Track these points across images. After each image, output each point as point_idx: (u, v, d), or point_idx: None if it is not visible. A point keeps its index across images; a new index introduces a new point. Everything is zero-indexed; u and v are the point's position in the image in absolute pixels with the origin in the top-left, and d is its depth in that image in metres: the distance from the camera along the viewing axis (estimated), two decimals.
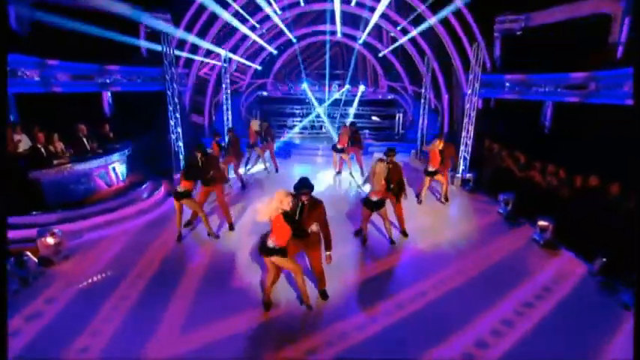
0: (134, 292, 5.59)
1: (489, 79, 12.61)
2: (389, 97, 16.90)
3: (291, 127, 17.33)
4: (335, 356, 4.41)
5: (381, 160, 6.49)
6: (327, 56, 16.37)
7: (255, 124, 11.42)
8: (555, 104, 11.16)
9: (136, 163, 10.20)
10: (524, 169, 9.04)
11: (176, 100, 10.48)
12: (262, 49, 15.92)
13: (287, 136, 16.67)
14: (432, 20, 13.09)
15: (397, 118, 17.02)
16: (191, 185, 6.95)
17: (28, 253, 5.93)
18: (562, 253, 6.82)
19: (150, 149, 11.03)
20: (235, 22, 13.59)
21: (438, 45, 14.15)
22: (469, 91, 10.46)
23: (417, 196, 9.27)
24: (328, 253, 5.14)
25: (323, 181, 10.75)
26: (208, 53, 14.22)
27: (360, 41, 15.83)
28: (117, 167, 9.22)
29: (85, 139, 8.81)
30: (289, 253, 4.99)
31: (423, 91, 13.55)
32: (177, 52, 12.54)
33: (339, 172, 11.28)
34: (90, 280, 5.89)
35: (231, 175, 10.48)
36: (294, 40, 16.12)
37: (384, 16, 14.34)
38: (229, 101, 13.91)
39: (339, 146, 10.76)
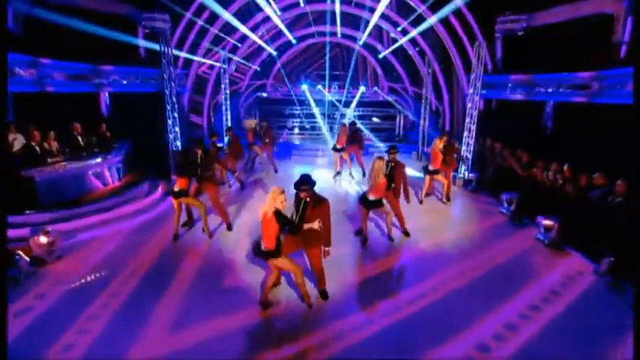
0: (125, 290, 5.47)
1: (491, 79, 12.50)
2: (389, 99, 16.81)
3: (291, 129, 17.25)
4: (334, 356, 4.28)
5: (380, 157, 6.36)
6: (327, 57, 16.30)
7: (250, 123, 11.31)
8: (557, 104, 11.05)
9: (134, 162, 10.10)
10: (526, 168, 8.90)
11: (174, 99, 10.39)
12: (262, 49, 15.84)
13: (287, 137, 16.60)
14: (433, 20, 13.00)
15: (398, 119, 16.92)
16: (186, 183, 6.81)
17: (20, 253, 5.79)
18: (568, 253, 6.67)
19: (148, 149, 10.90)
20: (235, 22, 13.50)
21: (438, 46, 14.08)
22: (471, 91, 10.34)
23: (418, 195, 9.14)
24: (327, 248, 5.01)
25: (323, 181, 10.60)
26: (208, 52, 14.12)
27: (360, 42, 15.75)
28: (113, 167, 9.08)
29: (79, 138, 8.68)
30: (288, 252, 4.87)
31: (423, 91, 13.45)
32: (175, 52, 12.47)
33: (338, 173, 11.15)
34: (81, 279, 5.76)
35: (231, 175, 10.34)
36: (294, 41, 16.05)
37: (384, 16, 14.27)
38: (228, 101, 13.81)
39: (338, 146, 10.66)
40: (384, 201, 6.68)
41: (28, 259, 5.87)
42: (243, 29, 13.90)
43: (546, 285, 5.69)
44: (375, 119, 17.24)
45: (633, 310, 4.51)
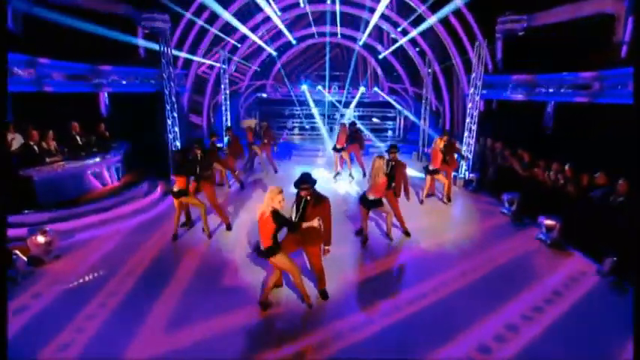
0: (123, 289, 5.44)
1: (491, 79, 12.46)
2: (389, 99, 16.78)
3: (291, 129, 17.22)
4: (334, 356, 4.23)
5: (380, 156, 6.32)
6: (327, 58, 16.28)
7: (249, 123, 11.28)
8: (557, 104, 11.01)
9: (133, 162, 10.06)
10: (528, 168, 8.85)
11: (173, 99, 10.35)
12: (262, 49, 15.82)
13: (287, 138, 16.56)
14: (432, 21, 12.98)
15: (398, 119, 16.90)
16: (185, 183, 6.76)
17: (17, 252, 5.75)
18: (570, 253, 6.62)
19: (147, 149, 10.86)
20: (235, 22, 13.48)
21: (438, 46, 14.05)
22: (471, 90, 10.30)
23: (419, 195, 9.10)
24: (327, 247, 4.97)
25: (323, 182, 10.55)
26: (208, 52, 14.09)
27: (360, 43, 15.73)
28: (112, 166, 9.03)
29: (78, 138, 8.63)
30: (288, 251, 4.82)
31: (423, 92, 13.42)
32: (175, 52, 12.44)
33: (338, 173, 11.11)
34: (79, 278, 5.72)
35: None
36: (294, 42, 16.03)
37: (384, 17, 14.25)
38: (228, 102, 13.78)
39: (337, 146, 10.63)
40: (384, 200, 6.63)
41: (25, 258, 5.83)
42: (243, 29, 13.88)
43: (548, 285, 5.63)
44: (374, 119, 17.20)
45: (633, 310, 4.45)
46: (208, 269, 6.04)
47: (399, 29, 14.42)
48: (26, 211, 7.15)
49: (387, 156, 6.75)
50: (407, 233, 7.23)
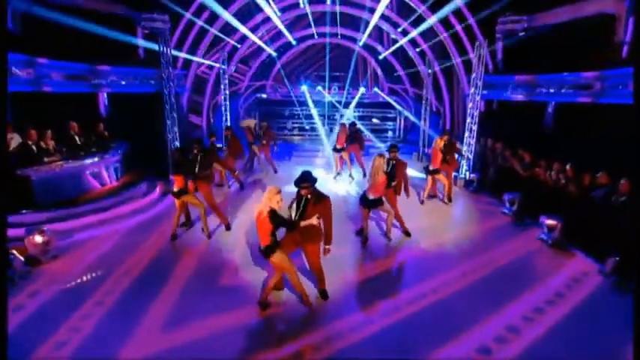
0: (120, 289, 5.41)
1: (492, 80, 12.43)
2: (389, 100, 16.75)
3: (291, 130, 17.20)
4: (334, 356, 4.19)
5: (381, 155, 6.28)
6: (327, 58, 16.26)
7: (247, 123, 11.24)
8: (558, 105, 10.98)
9: (132, 163, 10.01)
10: (529, 168, 8.80)
11: (173, 99, 10.32)
12: (261, 50, 15.79)
13: (287, 138, 16.53)
14: (432, 21, 12.95)
15: (398, 120, 16.87)
16: (182, 182, 6.71)
17: (14, 252, 5.70)
18: (571, 253, 6.56)
19: (146, 149, 10.82)
20: (235, 23, 13.46)
21: (439, 46, 14.03)
22: (472, 90, 10.27)
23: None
24: (327, 247, 4.92)
25: (323, 182, 10.50)
26: (207, 52, 14.07)
27: (361, 43, 15.71)
28: (111, 166, 8.99)
29: (76, 137, 8.59)
30: (288, 250, 4.77)
31: (424, 92, 13.38)
32: (175, 53, 12.41)
33: (339, 173, 11.07)
34: (76, 278, 5.68)
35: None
36: (294, 43, 16.01)
37: (384, 17, 14.23)
38: (227, 102, 13.76)
39: (337, 146, 10.60)
40: (385, 200, 6.59)
41: (22, 258, 5.78)
42: (243, 29, 13.86)
43: (550, 286, 5.58)
44: (374, 120, 17.17)
45: (633, 310, 4.39)
46: (207, 269, 5.99)
47: (399, 29, 14.40)
48: (24, 211, 7.10)
49: (387, 155, 6.70)
50: (407, 233, 7.19)
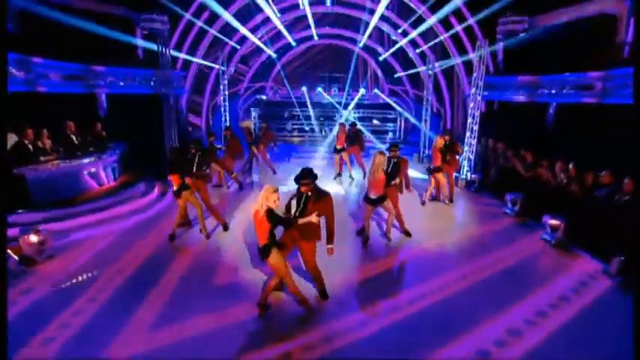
0: (112, 287, 5.35)
1: (493, 80, 12.39)
2: (389, 101, 16.70)
3: (291, 131, 17.14)
4: (332, 355, 4.11)
5: (381, 152, 6.20)
6: (327, 60, 16.23)
7: (246, 124, 11.16)
8: (559, 105, 10.92)
9: (130, 163, 9.93)
10: (531, 168, 8.71)
11: (171, 100, 10.26)
12: (261, 51, 15.76)
13: (287, 139, 16.46)
14: (432, 21, 12.92)
15: (398, 121, 16.81)
16: (179, 181, 6.61)
17: (9, 251, 5.62)
18: (575, 254, 6.46)
19: (145, 150, 10.74)
20: (235, 23, 13.42)
21: (439, 47, 13.99)
22: (473, 90, 10.19)
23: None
24: (330, 246, 4.79)
25: (323, 183, 10.41)
26: (207, 54, 14.03)
27: (361, 44, 15.68)
28: (108, 166, 8.90)
29: (73, 137, 8.50)
30: (287, 250, 4.67)
31: (424, 93, 13.31)
32: (174, 53, 12.37)
33: (339, 174, 10.98)
34: (70, 276, 5.60)
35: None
36: (294, 44, 15.97)
37: (384, 18, 14.19)
38: (227, 102, 13.70)
39: (337, 146, 10.53)
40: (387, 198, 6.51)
41: (17, 257, 5.69)
42: (243, 30, 13.82)
43: (553, 287, 5.46)
44: (375, 121, 17.11)
45: (633, 310, 4.29)
46: (202, 268, 5.90)
47: (400, 31, 14.36)
48: (20, 211, 6.99)
49: (387, 154, 6.61)
50: (407, 233, 7.09)
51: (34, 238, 5.92)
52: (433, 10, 12.79)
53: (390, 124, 17.18)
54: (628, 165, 6.41)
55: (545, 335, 4.46)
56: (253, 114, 16.34)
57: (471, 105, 10.30)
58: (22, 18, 9.43)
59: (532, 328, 4.57)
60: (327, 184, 10.39)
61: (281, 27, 14.60)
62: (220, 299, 5.06)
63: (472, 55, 11.32)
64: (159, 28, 11.58)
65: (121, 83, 11.96)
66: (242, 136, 11.68)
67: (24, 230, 6.03)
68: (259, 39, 14.82)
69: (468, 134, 10.26)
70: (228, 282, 5.52)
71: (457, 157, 9.08)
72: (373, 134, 16.43)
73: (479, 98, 10.11)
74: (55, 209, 7.31)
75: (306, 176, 4.54)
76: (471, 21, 12.55)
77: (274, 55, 16.15)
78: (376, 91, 17.05)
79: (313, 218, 4.41)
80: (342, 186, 10.50)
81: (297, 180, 4.60)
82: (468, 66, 12.85)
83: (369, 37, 15.29)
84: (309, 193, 4.60)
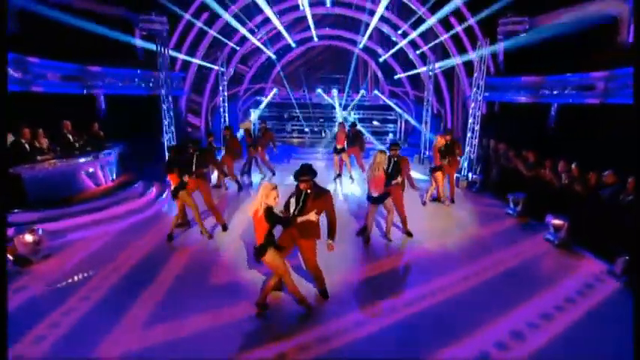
0: (106, 285, 5.27)
1: (494, 81, 12.33)
2: (389, 102, 16.65)
3: (290, 132, 17.09)
4: (329, 355, 4.03)
5: (382, 151, 6.13)
6: (327, 61, 16.19)
7: (246, 125, 11.09)
8: (561, 105, 10.87)
9: (129, 163, 9.85)
10: (533, 168, 8.63)
11: (170, 100, 10.19)
12: (260, 52, 15.71)
13: (286, 140, 16.40)
14: (432, 22, 12.88)
15: (399, 122, 16.76)
16: (177, 180, 6.52)
17: None
18: (579, 254, 6.36)
19: (144, 150, 10.68)
20: (235, 24, 13.38)
21: (440, 48, 13.95)
22: (474, 90, 10.13)
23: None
24: (330, 241, 4.66)
25: (323, 184, 10.31)
26: (207, 55, 13.99)
27: (361, 45, 15.64)
28: (106, 166, 8.82)
29: (70, 136, 8.42)
30: (284, 249, 4.57)
31: (425, 94, 13.25)
32: (173, 54, 12.32)
33: (339, 175, 10.90)
34: (64, 275, 5.52)
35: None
36: (294, 45, 15.93)
37: (384, 20, 14.16)
38: (226, 103, 13.64)
39: (338, 146, 10.46)
40: (389, 198, 6.42)
41: (11, 257, 5.59)
42: (243, 31, 13.78)
43: (558, 289, 5.33)
44: (375, 122, 17.06)
45: (633, 310, 4.21)
46: (199, 268, 5.81)
47: (400, 32, 14.32)
48: (15, 210, 6.90)
49: (388, 153, 6.53)
50: (409, 234, 7.00)
51: (29, 237, 5.83)
52: (433, 10, 12.76)
53: (391, 125, 17.15)
54: (631, 165, 6.34)
55: (549, 338, 4.34)
56: (252, 115, 16.28)
57: (472, 105, 10.24)
58: (21, 17, 9.37)
59: (536, 331, 4.45)
60: (327, 184, 10.31)
61: (281, 28, 14.56)
62: (217, 298, 4.97)
63: (472, 54, 11.25)
64: (158, 29, 11.52)
65: (120, 84, 11.90)
66: (242, 136, 11.63)
67: (19, 230, 5.94)
68: (259, 40, 14.77)
69: (469, 135, 10.20)
70: (225, 281, 5.43)
71: (457, 157, 9.00)
72: (373, 135, 16.36)
73: (480, 98, 10.04)
74: (51, 209, 7.22)
75: (306, 172, 4.43)
76: (471, 21, 12.52)
77: (274, 57, 16.10)
78: (376, 92, 17.00)
79: (312, 217, 4.32)
80: (342, 187, 10.41)
81: (296, 176, 4.50)
82: (469, 67, 12.80)
83: (369, 38, 15.25)
84: (309, 191, 4.50)
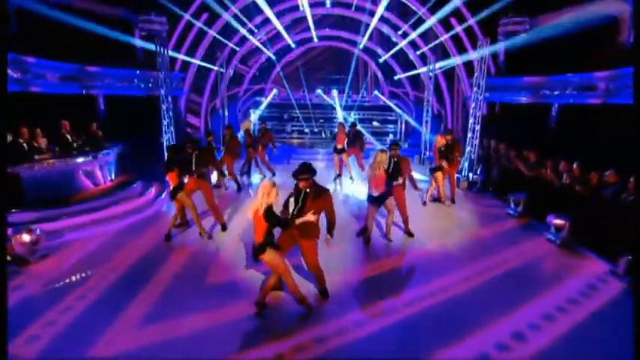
0: (103, 284, 5.23)
1: (495, 82, 12.30)
2: (390, 103, 16.63)
3: (290, 132, 17.06)
4: (327, 355, 3.98)
5: (383, 151, 6.09)
6: (327, 61, 16.17)
7: (245, 125, 11.06)
8: (562, 105, 10.84)
9: (128, 163, 9.82)
10: (534, 167, 8.59)
11: (169, 101, 10.16)
12: (260, 52, 15.69)
13: (286, 141, 16.37)
14: (432, 22, 12.86)
15: (399, 123, 16.74)
16: (175, 179, 6.47)
17: None
18: (580, 254, 6.31)
19: (143, 150, 10.64)
20: (235, 24, 13.37)
21: (440, 49, 13.93)
22: (475, 90, 10.09)
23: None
24: (328, 236, 4.61)
25: (322, 184, 10.27)
26: (206, 56, 13.97)
27: (361, 46, 15.62)
28: (104, 166, 8.78)
29: (68, 136, 8.38)
30: (283, 249, 4.53)
31: (425, 95, 13.22)
32: (173, 54, 12.30)
33: (339, 175, 10.86)
34: (62, 274, 5.48)
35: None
36: (294, 45, 15.91)
37: (385, 20, 14.14)
38: (226, 102, 13.62)
39: (338, 146, 10.43)
40: (391, 198, 6.38)
41: (8, 257, 5.54)
42: (243, 31, 13.76)
43: (561, 290, 5.27)
44: (375, 123, 17.03)
45: (633, 310, 4.16)
46: (198, 267, 5.77)
47: (400, 32, 14.30)
48: (13, 210, 6.85)
49: (388, 153, 6.49)
50: (409, 234, 6.95)
51: (26, 237, 5.78)
52: (433, 10, 12.74)
53: (391, 126, 17.12)
54: (632, 164, 6.30)
55: (551, 339, 4.28)
56: (252, 115, 16.26)
57: (472, 105, 10.20)
58: (20, 17, 9.34)
59: (537, 331, 4.39)
60: (327, 185, 10.25)
61: (280, 28, 14.54)
62: (216, 298, 4.93)
63: (472, 53, 11.22)
64: (157, 29, 11.52)
65: (119, 84, 11.88)
66: (242, 136, 11.60)
67: (16, 230, 5.90)
68: (258, 40, 14.75)
69: (469, 135, 10.16)
70: (224, 281, 5.39)
71: (458, 157, 8.96)
72: (373, 136, 16.33)
73: (480, 98, 10.01)
74: (50, 209, 7.18)
75: (305, 171, 4.39)
76: (472, 21, 12.50)
77: (274, 57, 16.07)
78: (376, 92, 16.98)
79: (310, 217, 4.27)
80: (342, 187, 10.37)
81: (295, 175, 4.45)
82: (469, 67, 12.78)
83: (369, 38, 15.23)
84: (308, 190, 4.46)
